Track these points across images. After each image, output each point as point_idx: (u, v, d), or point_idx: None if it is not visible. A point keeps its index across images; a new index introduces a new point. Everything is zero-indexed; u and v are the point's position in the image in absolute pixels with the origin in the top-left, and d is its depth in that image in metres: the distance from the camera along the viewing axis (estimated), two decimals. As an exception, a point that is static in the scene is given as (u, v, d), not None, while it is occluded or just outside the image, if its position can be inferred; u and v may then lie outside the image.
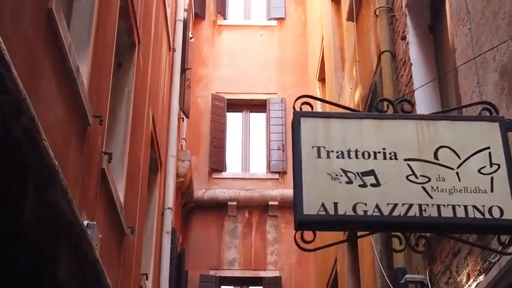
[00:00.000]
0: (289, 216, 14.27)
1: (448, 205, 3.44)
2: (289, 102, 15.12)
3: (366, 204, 3.36)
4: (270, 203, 14.18)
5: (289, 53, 15.70)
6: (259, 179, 14.56)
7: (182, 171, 12.26)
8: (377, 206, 3.35)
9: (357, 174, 3.40)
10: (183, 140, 13.37)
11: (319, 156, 3.42)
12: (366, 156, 3.47)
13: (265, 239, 14.08)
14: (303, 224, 3.34)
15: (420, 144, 3.56)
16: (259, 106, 15.29)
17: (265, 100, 15.22)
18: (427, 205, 3.43)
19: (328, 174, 3.39)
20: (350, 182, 3.39)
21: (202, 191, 14.15)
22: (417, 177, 3.49)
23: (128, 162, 6.95)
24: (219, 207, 14.16)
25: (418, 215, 3.40)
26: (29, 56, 3.69)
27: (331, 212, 3.30)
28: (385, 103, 4.08)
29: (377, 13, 7.08)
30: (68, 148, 4.55)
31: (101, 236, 5.14)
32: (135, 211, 7.57)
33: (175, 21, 11.50)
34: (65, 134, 4.49)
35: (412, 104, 3.85)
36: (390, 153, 3.48)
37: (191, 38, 12.60)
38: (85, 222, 4.75)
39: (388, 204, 3.36)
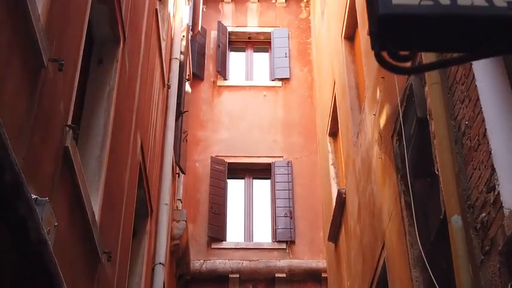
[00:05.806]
0: (298, 290, 12.60)
1: None
2: (296, 166, 13.76)
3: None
4: (277, 275, 12.52)
5: (295, 114, 14.44)
6: (264, 248, 12.93)
7: (177, 233, 10.72)
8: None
9: None
10: (179, 201, 11.88)
11: None
12: None
13: (272, 317, 12.35)
14: (390, 22, 1.81)
15: None
16: (263, 171, 13.85)
17: (270, 164, 13.82)
18: None
19: None
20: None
21: (200, 262, 12.52)
22: None
23: (106, 175, 5.51)
24: (219, 280, 12.48)
25: None
26: None
27: (445, 0, 1.84)
28: None
29: None
30: (3, 78, 3.14)
31: (56, 224, 3.65)
32: (116, 238, 6.05)
33: (170, 59, 10.30)
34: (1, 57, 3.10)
35: None
36: None
37: (188, 80, 11.36)
38: (33, 197, 3.28)
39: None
